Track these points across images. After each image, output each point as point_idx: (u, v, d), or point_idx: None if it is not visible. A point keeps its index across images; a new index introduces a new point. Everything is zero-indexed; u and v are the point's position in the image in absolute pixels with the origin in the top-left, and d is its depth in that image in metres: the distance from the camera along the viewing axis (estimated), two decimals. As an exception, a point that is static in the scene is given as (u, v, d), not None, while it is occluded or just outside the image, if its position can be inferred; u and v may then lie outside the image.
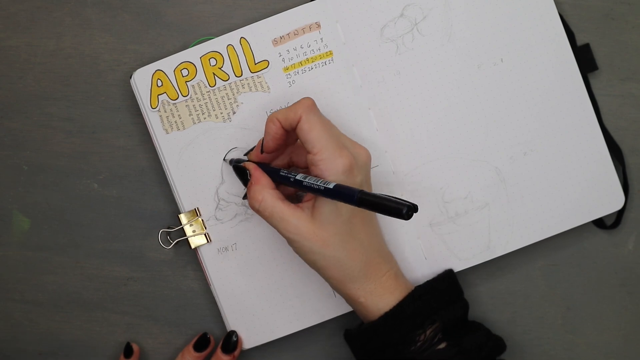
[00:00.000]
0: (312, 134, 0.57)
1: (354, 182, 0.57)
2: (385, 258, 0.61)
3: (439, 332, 0.60)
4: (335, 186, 0.55)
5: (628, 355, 0.69)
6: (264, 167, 0.61)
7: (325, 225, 0.58)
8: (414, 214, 0.51)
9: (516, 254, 0.67)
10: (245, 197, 0.64)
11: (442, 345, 0.59)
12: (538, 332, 0.69)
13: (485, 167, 0.66)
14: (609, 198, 0.66)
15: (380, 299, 0.60)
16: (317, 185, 0.56)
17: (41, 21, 0.68)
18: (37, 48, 0.68)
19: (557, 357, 0.69)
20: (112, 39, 0.68)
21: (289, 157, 0.63)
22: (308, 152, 0.57)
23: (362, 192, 0.53)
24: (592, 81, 0.68)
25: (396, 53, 0.65)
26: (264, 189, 0.59)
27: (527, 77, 0.66)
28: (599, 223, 0.68)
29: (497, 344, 0.62)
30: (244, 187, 0.63)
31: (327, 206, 0.57)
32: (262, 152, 0.60)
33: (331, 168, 0.56)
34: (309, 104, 0.58)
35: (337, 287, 0.60)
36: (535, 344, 0.69)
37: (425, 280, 0.64)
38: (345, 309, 0.66)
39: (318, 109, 0.59)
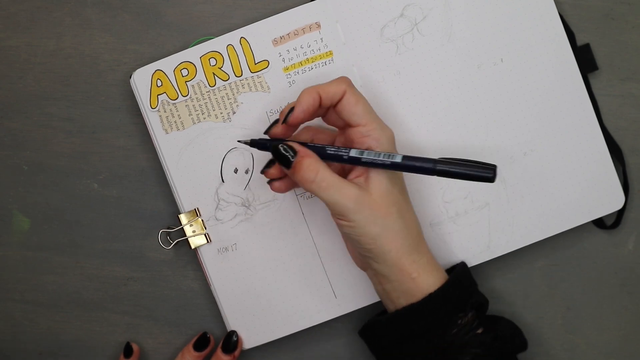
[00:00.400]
0: (359, 106, 0.57)
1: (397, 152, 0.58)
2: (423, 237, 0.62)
3: (477, 317, 0.59)
4: (404, 158, 0.55)
5: (628, 355, 0.69)
6: (312, 146, 0.58)
7: (385, 196, 0.57)
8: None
9: (516, 254, 0.67)
10: (264, 169, 0.61)
11: (480, 331, 0.59)
12: (538, 332, 0.69)
13: (485, 167, 0.66)
14: (609, 198, 0.66)
15: (431, 274, 0.59)
16: (381, 160, 0.55)
17: (41, 21, 0.68)
18: (37, 48, 0.68)
19: (557, 357, 0.69)
20: (112, 39, 0.68)
21: (310, 139, 0.62)
22: (355, 125, 0.57)
23: (439, 160, 0.53)
24: (592, 81, 0.68)
25: (396, 53, 0.65)
26: (318, 161, 0.57)
27: (527, 77, 0.66)
28: (599, 223, 0.68)
29: (523, 339, 0.62)
30: (285, 166, 0.58)
31: (384, 178, 0.57)
32: (285, 122, 0.57)
33: (382, 138, 0.57)
34: (349, 80, 0.58)
35: (392, 261, 0.58)
36: (535, 344, 0.69)
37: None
38: (345, 309, 0.66)
39: (354, 86, 0.59)
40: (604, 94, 0.68)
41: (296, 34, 0.65)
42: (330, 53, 0.65)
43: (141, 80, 0.65)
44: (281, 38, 0.65)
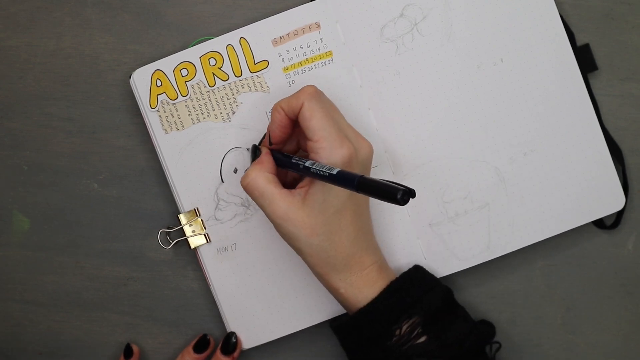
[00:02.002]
0: (312, 121, 0.57)
1: None
2: (370, 251, 0.61)
3: (418, 326, 0.59)
4: (338, 172, 0.54)
5: (628, 355, 0.69)
6: (279, 153, 0.61)
7: (315, 214, 0.58)
8: (411, 199, 0.50)
9: (516, 254, 0.67)
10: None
11: (422, 339, 0.59)
12: (538, 332, 0.69)
13: (485, 167, 0.66)
14: (609, 198, 0.66)
15: (360, 291, 0.60)
16: (322, 171, 0.55)
17: (41, 21, 0.68)
18: (37, 48, 0.68)
19: (557, 357, 0.69)
20: (112, 39, 0.68)
21: (296, 140, 0.63)
22: (309, 139, 0.58)
23: (362, 177, 0.52)
24: (592, 81, 0.68)
25: (396, 53, 0.65)
26: (261, 170, 0.59)
27: (527, 77, 0.66)
28: (599, 223, 0.68)
29: (483, 332, 0.62)
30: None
31: (320, 195, 0.57)
32: (270, 144, 0.61)
33: (330, 157, 0.57)
34: (310, 91, 0.58)
35: (319, 276, 0.61)
36: (535, 344, 0.69)
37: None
38: (345, 310, 0.66)
39: (322, 97, 0.59)
40: (604, 94, 0.68)
41: (296, 34, 0.65)
42: (330, 53, 0.65)
43: (141, 80, 0.65)
44: (281, 38, 0.65)
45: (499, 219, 0.66)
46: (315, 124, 0.57)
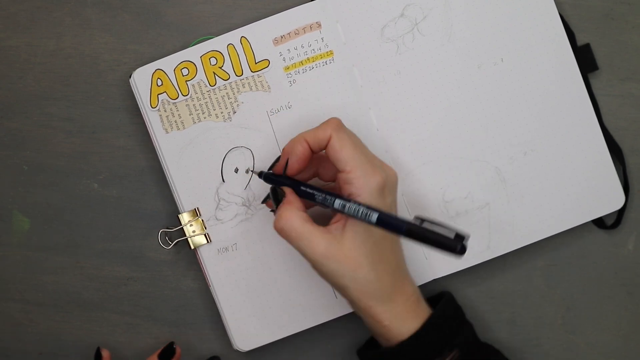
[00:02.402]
0: (343, 152, 0.56)
1: (385, 203, 0.57)
2: (409, 280, 0.60)
3: (459, 357, 0.59)
4: (379, 218, 0.54)
5: (628, 355, 0.69)
6: (301, 186, 0.59)
7: (356, 247, 0.56)
8: (465, 252, 0.49)
9: (516, 254, 0.67)
10: (264, 200, 0.64)
11: None
12: (538, 332, 0.69)
13: (485, 167, 0.66)
14: (609, 198, 0.66)
15: (404, 323, 0.58)
16: (359, 215, 0.55)
17: (41, 21, 0.68)
18: (37, 48, 0.68)
19: (557, 357, 0.69)
20: (112, 39, 0.68)
21: (315, 169, 0.62)
22: (340, 171, 0.57)
23: (409, 223, 0.51)
24: (592, 81, 0.68)
25: (396, 53, 0.65)
26: (293, 210, 0.57)
27: (527, 77, 0.66)
28: (599, 223, 0.68)
29: None
30: (274, 205, 0.60)
31: (360, 227, 0.56)
32: (284, 173, 0.59)
33: (365, 186, 0.56)
34: (337, 122, 0.58)
35: (363, 310, 0.58)
36: (535, 344, 0.69)
37: (426, 281, 0.65)
38: (346, 310, 0.66)
39: (346, 128, 0.58)
40: (604, 94, 0.68)
41: (297, 33, 0.65)
42: (331, 53, 0.65)
43: (141, 79, 0.65)
44: (282, 37, 0.65)
45: (499, 219, 0.66)
46: (346, 154, 0.56)
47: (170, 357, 0.66)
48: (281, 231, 0.58)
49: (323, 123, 0.58)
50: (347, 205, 0.56)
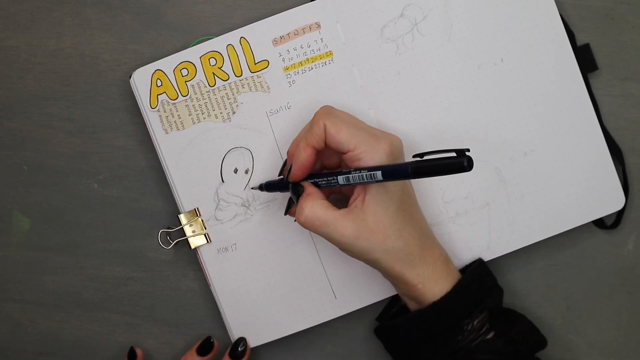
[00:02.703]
0: (341, 134, 0.57)
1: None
2: (435, 241, 0.62)
3: (487, 322, 0.60)
4: (383, 172, 0.53)
5: (628, 355, 0.69)
6: (316, 179, 0.60)
7: (380, 219, 0.57)
8: (473, 164, 0.48)
9: (516, 254, 0.67)
10: (286, 212, 0.64)
11: (490, 335, 0.59)
12: (538, 332, 0.69)
13: (485, 167, 0.66)
14: (609, 198, 0.66)
15: (436, 284, 0.59)
16: (365, 179, 0.55)
17: (41, 21, 0.68)
18: (37, 48, 0.68)
19: (557, 357, 0.69)
20: (112, 39, 0.68)
21: (319, 162, 0.62)
22: (345, 152, 0.57)
23: (413, 162, 0.50)
24: (592, 81, 0.68)
25: (396, 53, 0.65)
26: (314, 200, 0.58)
27: (528, 77, 0.66)
28: (599, 223, 0.68)
29: (541, 338, 0.62)
30: (296, 200, 0.60)
31: (378, 198, 0.57)
32: (285, 180, 0.60)
33: (374, 157, 0.56)
34: (326, 109, 0.58)
35: (396, 276, 0.59)
36: (535, 344, 0.69)
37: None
38: (345, 310, 0.66)
39: (336, 110, 0.59)
40: (604, 94, 0.68)
41: (296, 33, 0.65)
42: (330, 53, 0.65)
43: (141, 80, 0.65)
44: (281, 38, 0.65)
45: (499, 219, 0.66)
46: (344, 135, 0.57)
47: (210, 351, 0.66)
48: (305, 222, 0.58)
49: (314, 117, 0.58)
50: (351, 176, 0.56)
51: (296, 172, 0.59)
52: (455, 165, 0.48)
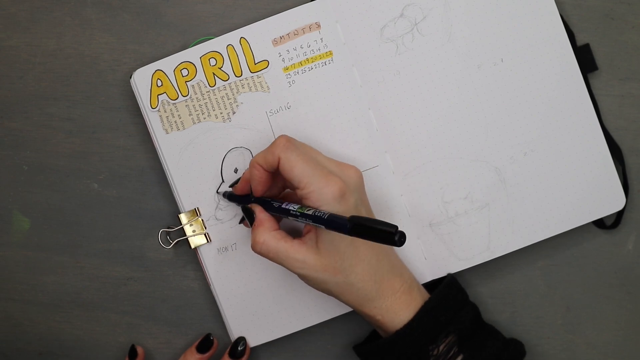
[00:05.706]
0: (294, 171, 0.57)
1: (348, 206, 0.56)
2: (396, 273, 0.61)
3: (455, 345, 0.60)
4: (325, 222, 0.54)
5: (628, 355, 0.69)
6: (264, 201, 0.61)
7: (331, 253, 0.57)
8: (405, 241, 0.49)
9: (516, 254, 0.67)
10: (241, 221, 0.65)
11: (459, 359, 0.59)
12: (538, 332, 0.69)
13: (485, 167, 0.66)
14: (610, 198, 0.66)
15: (396, 315, 0.60)
16: (314, 217, 0.55)
17: (41, 21, 0.68)
18: (37, 48, 0.68)
19: (557, 357, 0.69)
20: (112, 39, 0.68)
21: (281, 182, 0.62)
22: (296, 188, 0.57)
23: (353, 224, 0.51)
24: (592, 81, 0.68)
25: (396, 53, 0.65)
26: (265, 232, 0.59)
27: (528, 77, 0.66)
28: (599, 223, 0.68)
29: (515, 351, 0.62)
30: (249, 223, 0.62)
31: (328, 233, 0.57)
32: (252, 197, 0.61)
33: (322, 198, 0.56)
34: (283, 142, 0.58)
35: (355, 309, 0.60)
36: (535, 344, 0.69)
37: (425, 281, 0.65)
38: (345, 310, 0.66)
39: (295, 142, 0.59)
40: (604, 94, 0.68)
41: (296, 34, 0.65)
42: (330, 53, 0.65)
43: (141, 80, 0.65)
44: (281, 38, 0.65)
45: (499, 219, 0.66)
46: (297, 172, 0.57)
47: (209, 348, 0.66)
48: (260, 253, 0.59)
49: (271, 144, 0.58)
50: (298, 219, 0.56)
51: (256, 188, 0.60)
52: (388, 237, 0.49)
